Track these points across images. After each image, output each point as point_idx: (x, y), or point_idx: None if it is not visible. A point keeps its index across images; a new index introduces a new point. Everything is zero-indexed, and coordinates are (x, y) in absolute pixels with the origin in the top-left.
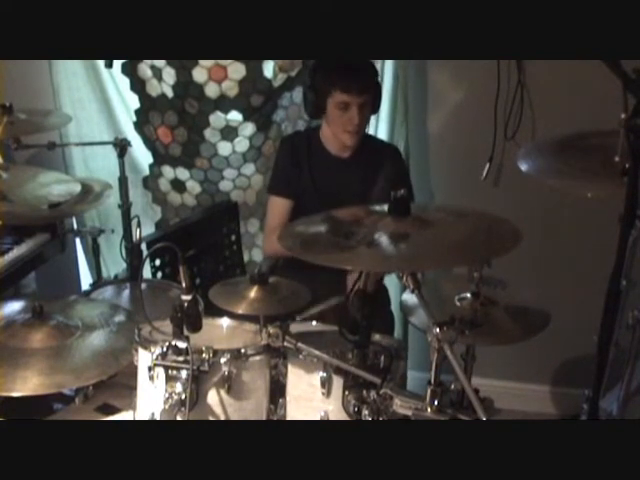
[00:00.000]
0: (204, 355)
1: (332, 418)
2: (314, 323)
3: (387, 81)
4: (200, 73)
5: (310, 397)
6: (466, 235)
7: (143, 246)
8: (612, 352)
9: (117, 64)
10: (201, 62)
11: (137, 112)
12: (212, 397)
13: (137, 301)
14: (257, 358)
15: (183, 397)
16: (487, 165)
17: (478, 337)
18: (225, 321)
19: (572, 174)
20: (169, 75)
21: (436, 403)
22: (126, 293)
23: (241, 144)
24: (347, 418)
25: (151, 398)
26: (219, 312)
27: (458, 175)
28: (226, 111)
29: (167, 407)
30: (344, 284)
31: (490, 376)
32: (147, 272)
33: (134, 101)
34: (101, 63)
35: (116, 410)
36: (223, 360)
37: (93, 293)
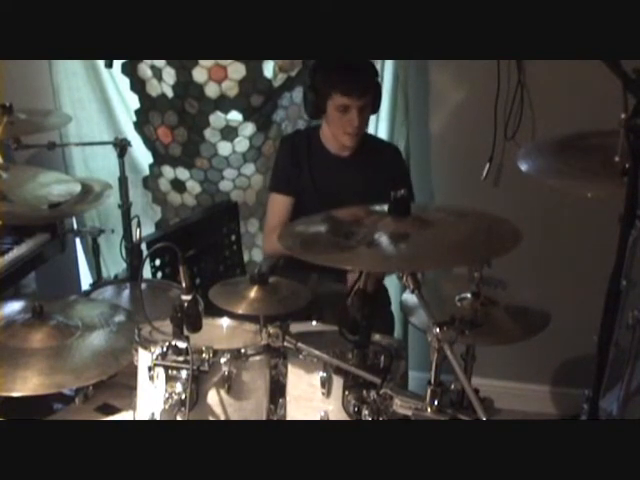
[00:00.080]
0: (204, 355)
1: (332, 418)
2: (314, 323)
3: (387, 81)
4: (200, 73)
5: (310, 397)
6: (466, 235)
7: (143, 246)
8: (612, 352)
9: (117, 64)
10: (201, 62)
11: (137, 112)
12: (212, 397)
13: (137, 301)
14: (257, 358)
15: (183, 397)
16: (487, 165)
17: (478, 337)
18: (225, 321)
19: (572, 174)
20: (169, 75)
21: (436, 403)
22: (126, 293)
23: (241, 144)
24: (347, 418)
25: (151, 398)
26: (219, 312)
27: (458, 175)
28: (226, 111)
29: (167, 407)
30: (344, 284)
31: (490, 376)
32: (147, 272)
33: (134, 101)
34: (101, 63)
35: (116, 410)
36: (223, 360)
37: (93, 293)
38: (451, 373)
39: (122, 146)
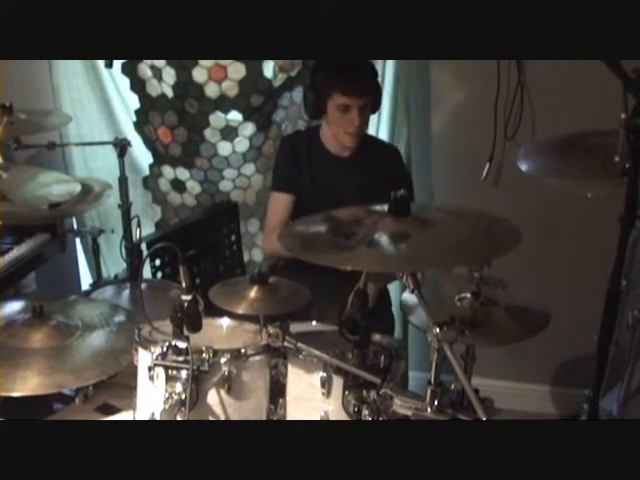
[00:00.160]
0: (204, 355)
1: (332, 418)
2: (314, 323)
3: (388, 82)
4: (200, 73)
5: (310, 397)
6: (466, 235)
7: (143, 246)
8: (612, 352)
9: (117, 64)
10: (201, 62)
11: (137, 112)
12: (212, 397)
13: (137, 301)
14: (257, 358)
15: (183, 397)
16: (487, 165)
17: (478, 337)
18: (225, 321)
19: (572, 174)
20: (169, 75)
21: (436, 403)
22: (126, 293)
23: (241, 144)
24: (347, 418)
25: (151, 398)
26: (219, 312)
27: (458, 175)
28: (226, 111)
29: (167, 407)
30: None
31: (490, 376)
32: (147, 272)
33: (134, 101)
34: (101, 63)
35: (116, 410)
36: (223, 360)
37: (93, 293)
38: (451, 373)
39: (122, 146)
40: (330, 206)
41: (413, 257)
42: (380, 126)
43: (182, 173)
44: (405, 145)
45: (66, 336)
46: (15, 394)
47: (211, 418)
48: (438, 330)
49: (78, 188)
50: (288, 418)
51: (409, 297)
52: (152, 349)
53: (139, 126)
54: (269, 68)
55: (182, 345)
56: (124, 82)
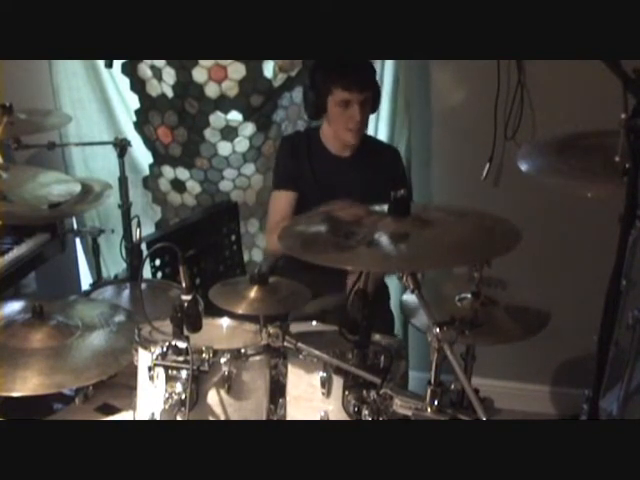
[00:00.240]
0: (204, 355)
1: (332, 418)
2: (314, 323)
3: (387, 82)
4: (200, 73)
5: (310, 397)
6: (466, 235)
7: (143, 246)
8: (612, 352)
9: (117, 64)
10: (201, 62)
11: (137, 112)
12: (212, 397)
13: (137, 301)
14: (257, 358)
15: (183, 397)
16: (487, 165)
17: (478, 337)
18: (225, 321)
19: (572, 174)
20: (169, 75)
21: (436, 403)
22: (126, 293)
23: (241, 144)
24: (347, 418)
25: (151, 398)
26: (219, 312)
27: (458, 175)
28: (226, 111)
29: (167, 407)
30: (344, 284)
31: (490, 376)
32: (147, 272)
33: (134, 101)
34: (101, 63)
35: (116, 410)
36: (223, 360)
37: (93, 293)
38: (451, 373)
39: (122, 146)
40: None
41: (413, 257)
42: (379, 126)
43: (182, 173)
44: (405, 145)
45: (66, 336)
46: (15, 394)
47: (211, 418)
48: (438, 330)
49: (78, 188)
50: (288, 418)
51: (409, 297)
52: (152, 349)
53: (139, 126)
54: (269, 68)
55: (182, 345)
56: (124, 82)
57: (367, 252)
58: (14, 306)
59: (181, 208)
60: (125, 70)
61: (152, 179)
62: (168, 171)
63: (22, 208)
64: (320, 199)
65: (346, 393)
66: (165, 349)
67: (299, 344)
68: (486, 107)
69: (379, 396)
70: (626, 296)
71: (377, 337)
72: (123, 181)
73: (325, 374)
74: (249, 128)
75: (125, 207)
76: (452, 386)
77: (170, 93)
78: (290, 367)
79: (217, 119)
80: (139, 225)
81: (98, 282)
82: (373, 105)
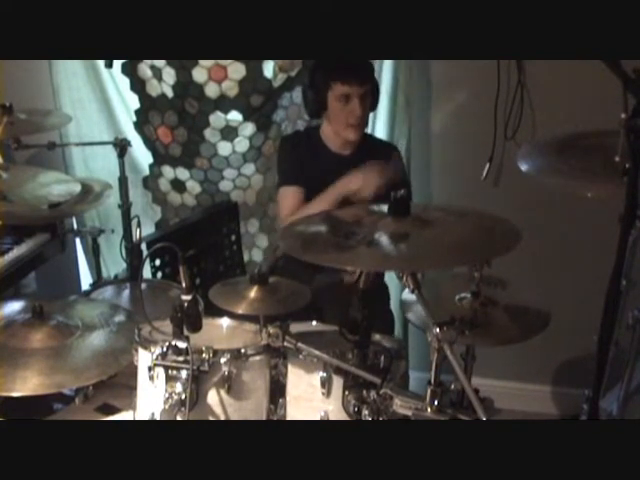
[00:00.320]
0: (204, 355)
1: (332, 418)
2: (314, 323)
3: (386, 81)
4: (200, 73)
5: (310, 397)
6: (466, 235)
7: (143, 246)
8: (612, 352)
9: (117, 64)
10: (201, 62)
11: (137, 112)
12: (212, 397)
13: (137, 301)
14: (257, 358)
15: (183, 397)
16: (487, 165)
17: (478, 337)
18: (225, 321)
19: (572, 174)
20: (169, 75)
21: (436, 403)
22: (126, 293)
23: (241, 144)
24: (347, 418)
25: (151, 398)
26: (219, 312)
27: (458, 175)
28: (226, 111)
29: (167, 407)
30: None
31: (490, 376)
32: (147, 272)
33: (134, 101)
34: (101, 63)
35: (116, 410)
36: (223, 360)
37: (93, 293)
38: (451, 373)
39: (122, 146)
40: None
41: (413, 257)
42: (379, 126)
43: (182, 173)
44: (405, 145)
45: (66, 336)
46: (15, 394)
47: (211, 418)
48: (438, 330)
49: (78, 188)
50: (288, 418)
51: (409, 297)
52: (152, 349)
53: (139, 126)
54: (269, 68)
55: (182, 345)
56: (124, 82)
57: (367, 252)
58: (14, 306)
59: (181, 208)
60: (125, 70)
61: (152, 179)
62: (168, 171)
63: (22, 208)
64: None
65: (346, 393)
66: (165, 349)
67: (299, 344)
68: (486, 107)
69: (379, 396)
70: (626, 296)
71: (377, 337)
72: (123, 181)
73: (325, 374)
74: (249, 128)
75: (125, 207)
76: (452, 386)
77: (170, 93)
78: (290, 367)
79: (217, 119)
80: (139, 225)
81: (98, 282)
82: (372, 101)
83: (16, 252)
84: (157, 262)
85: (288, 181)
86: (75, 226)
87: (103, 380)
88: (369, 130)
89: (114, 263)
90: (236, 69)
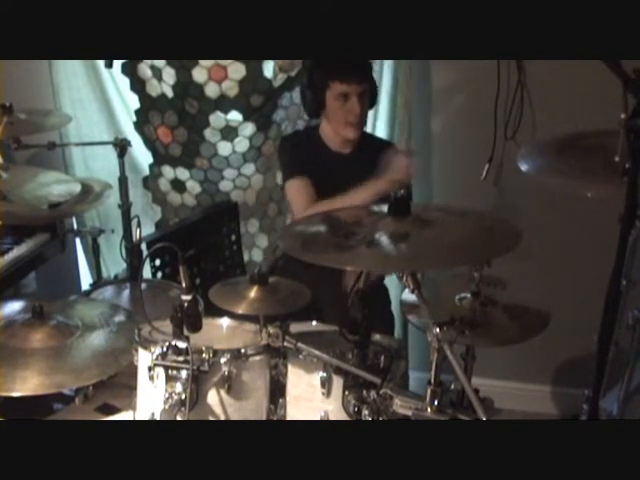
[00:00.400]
0: (204, 355)
1: (332, 418)
2: (314, 323)
3: (387, 81)
4: (200, 73)
5: (310, 397)
6: (466, 235)
7: (143, 246)
8: (612, 352)
9: (117, 64)
10: (201, 62)
11: (137, 112)
12: (212, 397)
13: (137, 301)
14: (257, 358)
15: (183, 397)
16: (487, 165)
17: (478, 337)
18: (225, 321)
19: (572, 174)
20: (169, 75)
21: (436, 403)
22: (126, 293)
23: (241, 144)
24: (347, 418)
25: (151, 398)
26: (219, 312)
27: (458, 175)
28: (226, 111)
29: (167, 407)
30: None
31: (490, 376)
32: (147, 272)
33: (134, 101)
34: (101, 63)
35: (116, 410)
36: (223, 360)
37: (93, 293)
38: (451, 373)
39: (122, 146)
40: None
41: (413, 257)
42: (379, 126)
43: (182, 173)
44: (405, 145)
45: (66, 336)
46: (15, 394)
47: (211, 418)
48: (438, 330)
49: (78, 188)
50: (288, 418)
51: (409, 297)
52: (152, 349)
53: (139, 126)
54: (269, 68)
55: (182, 345)
56: (124, 82)
57: (367, 252)
58: (14, 306)
59: (181, 208)
60: (125, 70)
61: (152, 179)
62: (168, 171)
63: (22, 208)
64: (321, 197)
65: (346, 393)
66: (165, 349)
67: (299, 344)
68: (486, 107)
69: (379, 396)
70: (626, 296)
71: (377, 337)
72: (123, 181)
73: (325, 374)
74: (249, 128)
75: (125, 207)
76: (452, 386)
77: (170, 93)
78: (290, 367)
79: (217, 119)
80: (139, 225)
81: (98, 282)
82: (371, 99)
83: (16, 252)
84: (157, 262)
85: (294, 174)
86: (75, 226)
87: (103, 380)
88: (370, 130)
89: (114, 263)
90: (236, 69)
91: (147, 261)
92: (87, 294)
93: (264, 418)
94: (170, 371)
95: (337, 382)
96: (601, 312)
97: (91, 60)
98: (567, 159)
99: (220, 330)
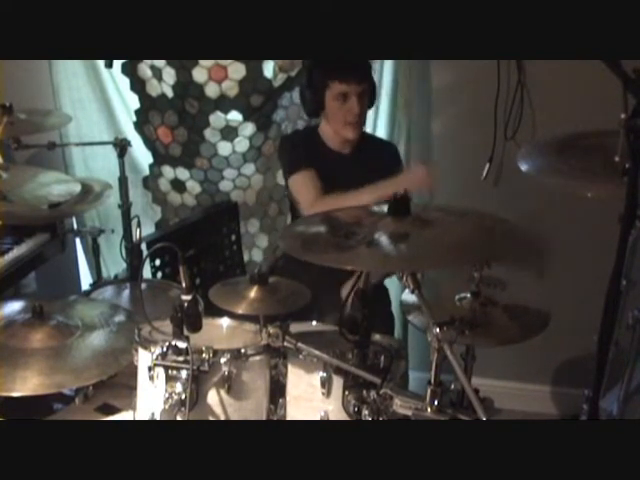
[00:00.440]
0: (204, 355)
1: (332, 418)
2: (314, 323)
3: (387, 82)
4: (200, 73)
5: (310, 397)
6: (466, 235)
7: (143, 246)
8: (612, 352)
9: (117, 64)
10: (201, 62)
11: (137, 112)
12: (212, 397)
13: (137, 301)
14: (257, 358)
15: (183, 397)
16: (487, 165)
17: (478, 337)
18: (225, 321)
19: (572, 174)
20: (169, 75)
21: (436, 403)
22: (126, 293)
23: (241, 144)
24: (347, 418)
25: (151, 398)
26: (219, 312)
27: (458, 175)
28: (226, 111)
29: (167, 407)
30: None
31: (490, 376)
32: (147, 272)
33: (134, 101)
34: (101, 63)
35: (116, 410)
36: (223, 360)
37: (93, 293)
38: (451, 373)
39: (122, 146)
40: None
41: (413, 257)
42: (379, 125)
43: (182, 173)
44: (405, 145)
45: (66, 336)
46: (15, 394)
47: (211, 418)
48: (438, 330)
49: (78, 188)
50: (288, 418)
51: (409, 297)
52: (152, 349)
53: (139, 126)
54: (269, 68)
55: (182, 345)
56: (124, 82)
57: (367, 252)
58: (14, 306)
59: (181, 208)
60: (125, 70)
61: (152, 179)
62: (168, 171)
63: (22, 208)
64: None
65: (346, 393)
66: (165, 349)
67: (299, 344)
68: (486, 107)
69: (379, 396)
70: (626, 296)
71: (377, 337)
72: (123, 181)
73: (325, 374)
74: (249, 128)
75: (125, 207)
76: (452, 386)
77: (170, 93)
78: (290, 367)
79: (217, 119)
80: (139, 225)
81: (98, 282)
82: (370, 99)
83: (16, 252)
84: (157, 262)
85: (298, 168)
86: (75, 226)
87: (103, 380)
88: (370, 130)
89: (114, 263)
90: (236, 69)
91: (147, 261)
92: (87, 294)
93: (264, 418)
94: (170, 371)
95: (337, 382)
96: (601, 312)
97: (91, 60)
98: (567, 159)
99: (220, 330)
